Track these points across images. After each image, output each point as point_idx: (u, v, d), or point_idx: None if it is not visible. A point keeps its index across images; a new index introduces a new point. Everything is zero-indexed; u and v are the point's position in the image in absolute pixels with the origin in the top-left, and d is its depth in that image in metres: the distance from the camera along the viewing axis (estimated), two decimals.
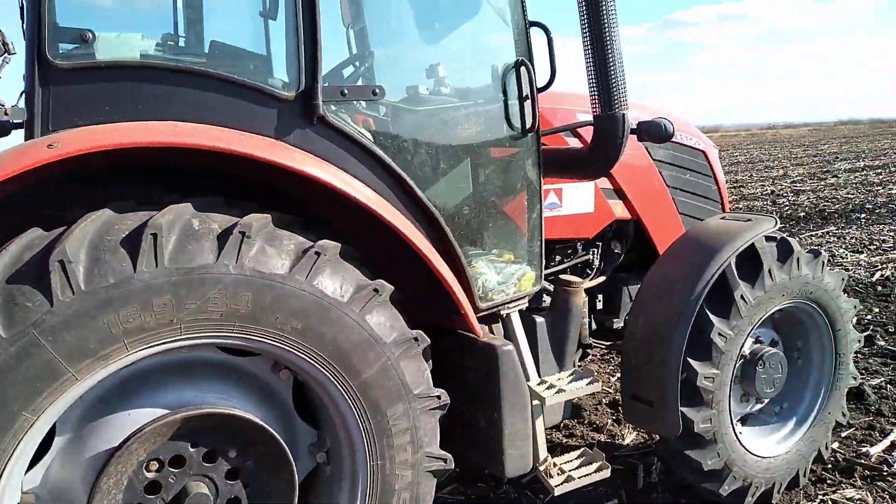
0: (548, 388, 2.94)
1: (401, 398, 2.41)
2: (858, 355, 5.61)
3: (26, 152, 1.85)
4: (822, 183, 19.15)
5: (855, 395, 4.76)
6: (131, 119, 2.13)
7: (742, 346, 3.35)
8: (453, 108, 2.91)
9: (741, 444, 3.42)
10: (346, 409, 2.35)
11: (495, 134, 2.92)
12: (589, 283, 3.97)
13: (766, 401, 3.65)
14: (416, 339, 2.43)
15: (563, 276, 3.26)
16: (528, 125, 2.87)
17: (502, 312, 3.00)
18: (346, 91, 2.37)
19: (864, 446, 4.11)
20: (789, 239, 3.47)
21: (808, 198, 15.95)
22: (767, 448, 3.57)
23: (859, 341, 3.83)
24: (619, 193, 3.83)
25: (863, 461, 3.92)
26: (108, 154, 1.99)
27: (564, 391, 2.93)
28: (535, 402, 2.90)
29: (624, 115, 2.87)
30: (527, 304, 3.12)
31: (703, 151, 4.22)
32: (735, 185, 20.22)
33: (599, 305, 4.10)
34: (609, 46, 2.78)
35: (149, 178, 2.27)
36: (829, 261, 3.59)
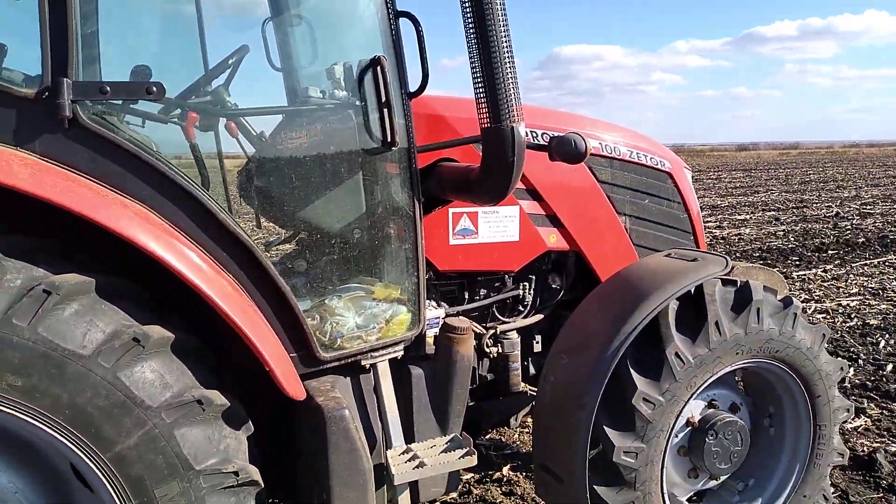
0: (408, 461, 2.40)
1: (175, 475, 1.93)
2: (883, 412, 4.78)
3: None
4: (895, 206, 17.61)
5: (865, 464, 3.98)
6: None
7: (680, 413, 2.71)
8: (295, 114, 2.41)
9: None
10: (99, 486, 1.89)
11: (349, 146, 2.41)
12: (521, 322, 3.39)
13: (724, 477, 2.98)
14: (199, 401, 1.95)
15: (449, 320, 2.70)
16: (389, 138, 2.35)
17: (364, 363, 2.48)
18: (107, 88, 1.91)
19: None
20: (751, 283, 2.81)
21: (875, 222, 14.63)
22: None
23: (848, 410, 3.10)
24: (553, 220, 3.24)
25: None
26: None
27: (425, 465, 2.37)
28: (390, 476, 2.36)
29: (513, 128, 2.30)
30: (401, 353, 2.58)
31: (669, 173, 3.56)
32: (799, 204, 18.94)
33: (538, 347, 3.50)
34: (495, 47, 2.23)
35: None
36: (804, 311, 2.88)
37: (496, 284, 3.32)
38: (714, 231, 13.93)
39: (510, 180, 2.39)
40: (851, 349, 6.10)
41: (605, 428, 2.58)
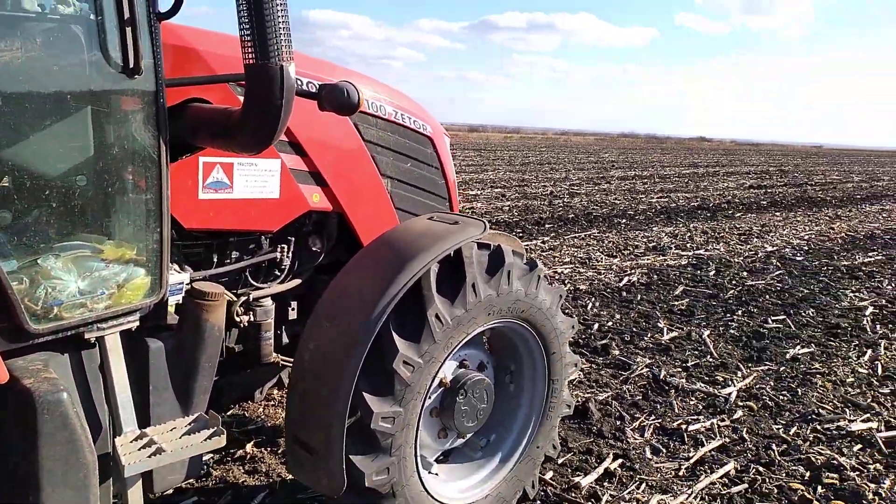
0: (142, 448, 2.08)
1: None
2: (592, 366, 5.48)
3: None
4: (597, 188, 20.42)
5: (579, 413, 4.50)
6: None
7: (436, 374, 2.75)
8: (6, 24, 1.89)
9: (429, 493, 2.83)
10: None
11: (77, 70, 1.97)
12: (277, 288, 3.17)
13: (470, 435, 3.12)
14: None
15: (198, 285, 2.40)
16: (132, 63, 1.97)
17: (88, 336, 2.08)
18: None
19: (578, 475, 3.78)
20: (503, 247, 2.94)
21: (581, 201, 16.77)
22: (463, 494, 3.04)
23: (576, 365, 3.45)
24: (317, 178, 3.06)
25: (573, 496, 3.57)
26: None
27: (163, 452, 2.08)
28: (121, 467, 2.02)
29: (283, 66, 2.07)
30: (137, 323, 2.22)
31: (430, 138, 3.59)
32: (521, 183, 20.93)
33: (293, 314, 3.32)
34: None
35: None
36: (545, 275, 3.09)
37: (251, 246, 3.06)
38: None
39: (277, 126, 2.15)
40: (566, 311, 6.87)
41: (365, 394, 2.51)
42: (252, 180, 2.84)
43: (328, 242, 3.30)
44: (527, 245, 10.37)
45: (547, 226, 12.44)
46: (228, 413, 4.18)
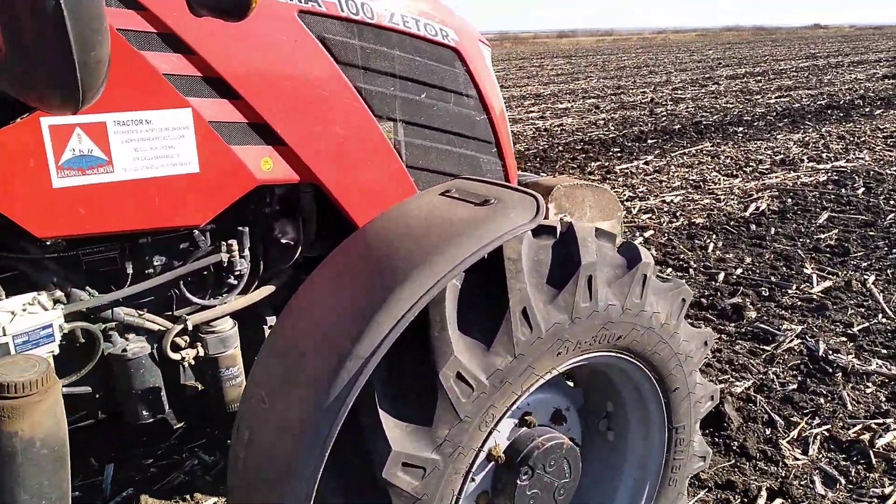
0: None
1: None
2: (722, 337, 4.14)
3: None
4: (703, 90, 18.04)
5: (710, 419, 3.24)
6: None
7: (470, 468, 1.59)
8: None
9: None
10: None
11: None
12: (238, 303, 2.09)
13: None
14: None
15: None
16: None
17: None
18: None
19: None
20: (578, 228, 1.69)
21: (687, 107, 14.68)
22: None
23: (713, 397, 2.18)
24: (265, 133, 1.88)
25: None
26: None
27: None
28: None
29: None
30: None
31: (456, 49, 2.28)
32: (617, 91, 18.86)
33: None
34: None
35: None
36: (656, 270, 1.82)
37: (181, 247, 1.97)
38: (537, 122, 13.23)
39: (62, 50, 1.03)
40: (681, 256, 5.49)
41: None
42: (146, 147, 1.70)
43: (307, 228, 2.15)
44: (628, 168, 8.83)
45: (650, 141, 10.73)
46: None
